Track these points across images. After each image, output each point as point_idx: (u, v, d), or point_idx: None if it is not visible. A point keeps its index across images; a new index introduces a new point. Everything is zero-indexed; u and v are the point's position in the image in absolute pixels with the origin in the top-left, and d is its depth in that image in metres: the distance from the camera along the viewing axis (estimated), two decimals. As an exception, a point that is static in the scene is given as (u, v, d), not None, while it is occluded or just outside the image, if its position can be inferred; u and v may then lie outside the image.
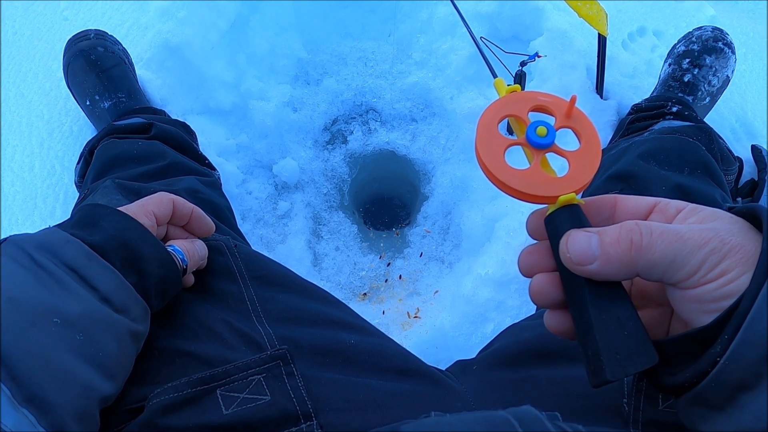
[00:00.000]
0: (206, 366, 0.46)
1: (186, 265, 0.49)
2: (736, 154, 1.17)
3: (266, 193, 1.07)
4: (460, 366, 0.62)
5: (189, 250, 0.51)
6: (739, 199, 1.17)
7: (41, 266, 0.39)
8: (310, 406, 0.45)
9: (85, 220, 0.45)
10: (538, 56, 0.99)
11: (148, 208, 0.49)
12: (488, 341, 0.93)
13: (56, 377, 0.36)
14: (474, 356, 0.65)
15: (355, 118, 1.14)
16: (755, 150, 1.13)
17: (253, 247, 1.01)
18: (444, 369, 0.62)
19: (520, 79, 1.01)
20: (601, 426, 0.46)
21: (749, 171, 1.14)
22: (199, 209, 0.55)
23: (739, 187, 1.13)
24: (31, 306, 0.37)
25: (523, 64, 1.00)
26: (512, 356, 0.56)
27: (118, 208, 0.48)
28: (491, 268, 0.92)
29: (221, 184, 0.91)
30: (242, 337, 0.50)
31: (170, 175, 0.77)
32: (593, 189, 0.93)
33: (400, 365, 0.53)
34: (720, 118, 1.16)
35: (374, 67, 1.15)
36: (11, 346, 0.34)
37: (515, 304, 0.91)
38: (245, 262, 0.58)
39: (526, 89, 1.02)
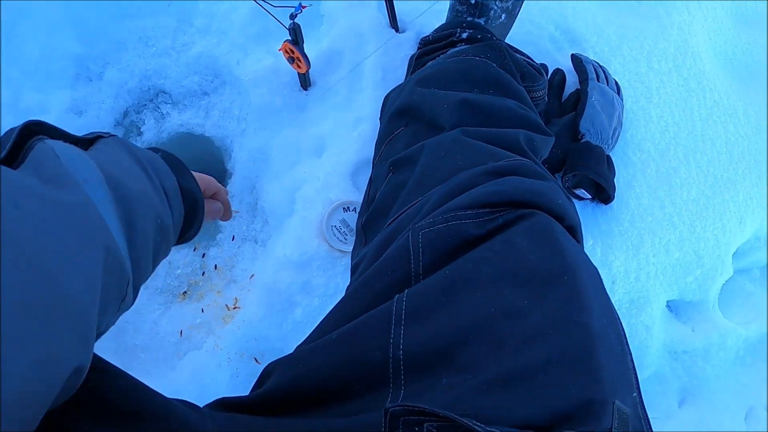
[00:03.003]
0: None
1: None
2: (559, 66, 1.10)
3: (67, 209, 0.99)
4: (225, 405, 0.56)
5: (209, 212, 0.62)
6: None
7: (150, 177, 0.46)
8: None
9: (173, 163, 0.53)
10: (303, 7, 0.89)
11: (203, 182, 0.60)
12: (300, 326, 0.87)
13: (145, 251, 0.43)
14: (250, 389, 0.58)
15: (145, 105, 1.05)
16: (575, 60, 1.06)
17: None
18: (212, 402, 0.56)
19: (295, 33, 0.91)
20: None
21: (574, 81, 1.07)
22: (225, 198, 0.68)
23: (563, 101, 1.06)
24: (150, 200, 0.44)
25: (292, 17, 0.90)
26: (271, 404, 0.51)
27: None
28: (289, 248, 0.86)
29: None
30: None
31: None
32: (381, 134, 0.86)
33: (132, 405, 0.48)
34: (537, 29, 1.08)
35: (156, 45, 1.04)
36: (137, 220, 0.40)
37: (321, 282, 0.86)
38: None
39: (304, 38, 0.93)
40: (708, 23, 1.26)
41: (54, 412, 0.46)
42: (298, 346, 0.57)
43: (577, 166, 0.96)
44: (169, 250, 0.52)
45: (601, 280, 0.55)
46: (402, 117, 0.81)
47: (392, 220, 0.67)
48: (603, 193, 1.00)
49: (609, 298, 0.54)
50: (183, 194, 0.52)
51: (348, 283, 0.88)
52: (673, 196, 1.08)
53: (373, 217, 0.75)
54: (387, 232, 0.64)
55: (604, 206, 1.02)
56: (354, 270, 0.71)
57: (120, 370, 0.54)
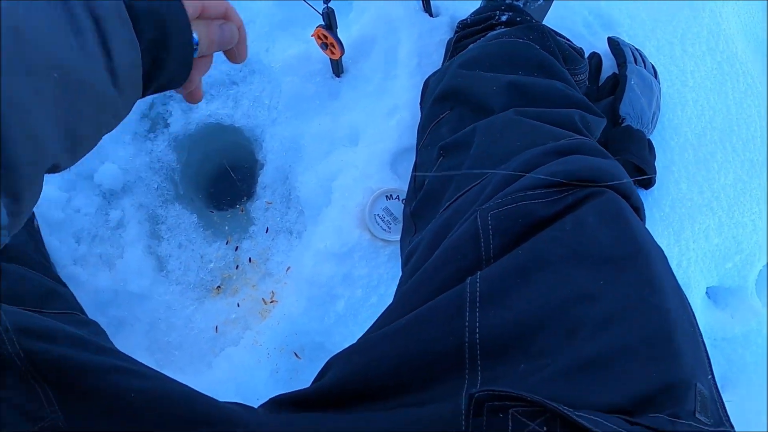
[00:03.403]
0: None
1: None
2: (595, 50, 1.08)
3: (95, 206, 0.97)
4: (280, 403, 0.54)
5: (208, 38, 0.44)
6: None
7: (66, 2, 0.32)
8: None
9: None
10: (337, -12, 0.86)
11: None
12: (342, 319, 0.85)
13: (30, 139, 0.30)
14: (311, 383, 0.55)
15: (172, 96, 1.02)
16: (612, 43, 1.03)
17: (94, 268, 0.93)
18: (267, 401, 0.54)
19: (328, 17, 0.89)
20: None
21: (611, 65, 1.05)
22: (240, 22, 0.49)
23: (600, 85, 1.04)
24: (37, 48, 0.30)
25: (326, 0, 0.88)
26: (331, 397, 0.49)
27: None
28: (329, 239, 0.83)
29: (33, 215, 0.85)
30: (22, 413, 0.45)
31: None
32: (424, 119, 0.84)
33: (189, 413, 0.47)
34: (571, 13, 1.05)
35: (180, 34, 1.01)
36: None
37: (363, 273, 0.84)
38: (10, 317, 0.51)
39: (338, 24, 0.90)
40: (738, 6, 1.24)
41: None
42: (360, 338, 0.54)
43: (619, 151, 0.94)
44: (112, 112, 0.37)
45: (668, 261, 0.53)
46: (446, 100, 0.79)
47: (448, 206, 0.65)
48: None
49: (677, 279, 0.52)
50: (138, 18, 0.36)
51: (398, 274, 0.85)
52: (711, 180, 1.06)
53: (424, 204, 0.73)
54: (444, 218, 0.62)
55: (644, 191, 1.00)
56: (407, 259, 0.69)
57: (175, 380, 0.52)
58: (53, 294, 0.73)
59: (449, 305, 0.47)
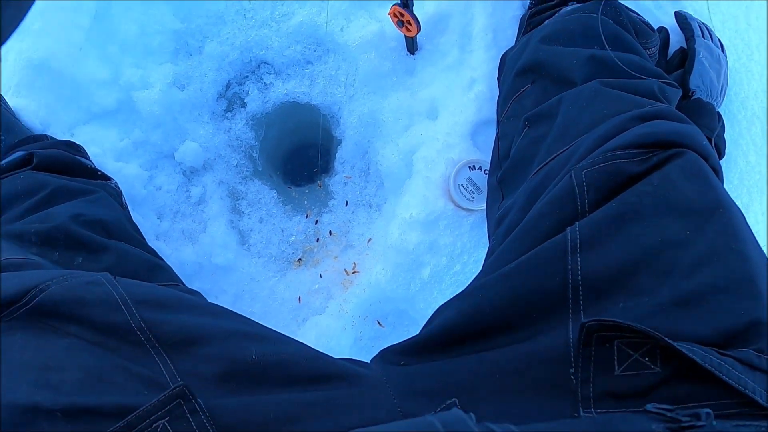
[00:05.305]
0: (110, 420, 0.43)
1: None
2: (662, 24, 1.09)
3: (176, 184, 1.01)
4: (391, 353, 0.57)
5: None
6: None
7: None
8: None
9: None
10: (414, -33, 0.88)
11: None
12: (427, 286, 0.88)
13: None
14: (418, 331, 0.59)
15: (247, 77, 1.05)
16: (680, 17, 1.04)
17: (177, 243, 0.97)
18: (377, 354, 0.57)
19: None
20: (545, 408, 0.44)
21: (677, 40, 1.06)
22: None
23: (668, 59, 1.05)
24: None
25: (406, -20, 0.90)
26: (444, 339, 0.52)
27: None
28: (414, 209, 0.86)
29: (121, 192, 0.88)
30: (142, 380, 0.47)
31: (55, 203, 0.75)
32: (505, 92, 0.87)
33: (311, 371, 0.49)
34: (637, -13, 1.06)
35: (254, 17, 1.05)
36: None
37: (448, 242, 0.86)
38: (127, 290, 0.53)
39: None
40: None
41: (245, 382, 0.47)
42: (465, 288, 0.57)
43: (691, 123, 0.95)
44: None
45: (746, 219, 0.57)
46: (528, 74, 0.81)
47: (538, 170, 0.68)
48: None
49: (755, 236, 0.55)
50: None
51: (480, 242, 0.88)
52: (778, 153, 1.06)
53: (512, 171, 0.76)
54: (536, 181, 0.65)
55: (715, 163, 1.01)
56: (497, 224, 0.71)
57: (292, 339, 0.54)
58: (157, 267, 0.76)
59: (553, 251, 0.51)
